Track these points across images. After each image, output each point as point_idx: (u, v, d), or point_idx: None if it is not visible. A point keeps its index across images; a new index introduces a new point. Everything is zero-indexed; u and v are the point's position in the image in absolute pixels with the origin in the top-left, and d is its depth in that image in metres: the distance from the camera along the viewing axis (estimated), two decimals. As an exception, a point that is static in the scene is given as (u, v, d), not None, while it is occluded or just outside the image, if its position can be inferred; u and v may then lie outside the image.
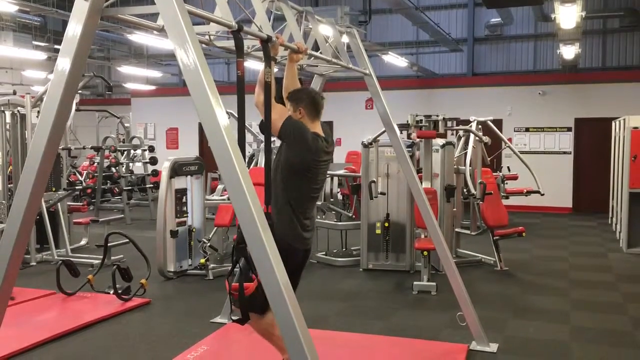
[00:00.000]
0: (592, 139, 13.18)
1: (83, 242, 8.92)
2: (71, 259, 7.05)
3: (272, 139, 3.40)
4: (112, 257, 7.34)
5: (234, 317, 3.33)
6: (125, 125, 14.13)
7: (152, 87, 17.09)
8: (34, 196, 2.85)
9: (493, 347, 4.77)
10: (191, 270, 7.28)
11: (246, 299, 3.03)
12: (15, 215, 2.86)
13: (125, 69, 15.60)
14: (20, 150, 7.96)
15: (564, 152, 13.32)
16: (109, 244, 6.88)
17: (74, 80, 2.77)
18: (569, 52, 11.29)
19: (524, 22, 14.47)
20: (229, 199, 9.07)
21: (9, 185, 7.98)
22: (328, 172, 8.67)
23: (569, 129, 13.30)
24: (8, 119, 7.95)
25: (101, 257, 6.81)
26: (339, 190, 10.14)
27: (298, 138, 3.38)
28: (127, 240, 6.71)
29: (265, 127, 3.32)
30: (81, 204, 9.85)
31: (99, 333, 5.23)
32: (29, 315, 5.62)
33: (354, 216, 8.62)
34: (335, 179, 9.55)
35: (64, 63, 2.71)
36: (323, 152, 3.50)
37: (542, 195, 9.28)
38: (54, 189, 8.09)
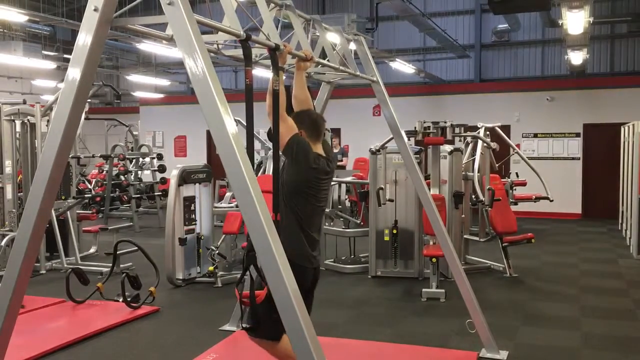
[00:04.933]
0: (601, 144, 13.12)
1: (92, 250, 8.95)
2: (80, 267, 7.08)
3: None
4: (121, 265, 7.36)
5: (244, 325, 3.33)
6: (134, 133, 14.21)
7: (161, 95, 17.19)
8: (44, 205, 2.87)
9: (503, 355, 4.75)
10: (200, 278, 7.29)
11: (257, 309, 3.03)
12: (26, 224, 2.88)
13: (134, 78, 15.71)
14: (30, 159, 8.02)
15: (573, 158, 13.27)
16: (118, 252, 6.91)
17: (84, 90, 2.80)
18: (576, 57, 11.27)
19: (532, 27, 14.47)
20: (237, 206, 9.11)
21: (19, 194, 8.03)
22: (336, 178, 8.72)
23: (578, 135, 13.25)
24: (18, 128, 8.01)
25: (110, 265, 6.84)
26: (346, 197, 10.13)
27: (300, 157, 3.34)
28: (136, 248, 6.73)
29: (273, 134, 3.33)
30: (90, 212, 9.89)
31: (109, 341, 5.24)
32: (39, 323, 5.64)
33: (362, 223, 8.61)
34: (343, 186, 9.55)
35: (74, 73, 2.74)
36: (324, 172, 3.46)
37: (551, 201, 9.24)
38: (63, 197, 8.13)
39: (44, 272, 7.77)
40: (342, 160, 13.10)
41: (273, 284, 2.41)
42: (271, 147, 11.06)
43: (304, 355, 2.37)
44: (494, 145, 8.16)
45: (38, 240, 2.96)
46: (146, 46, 10.68)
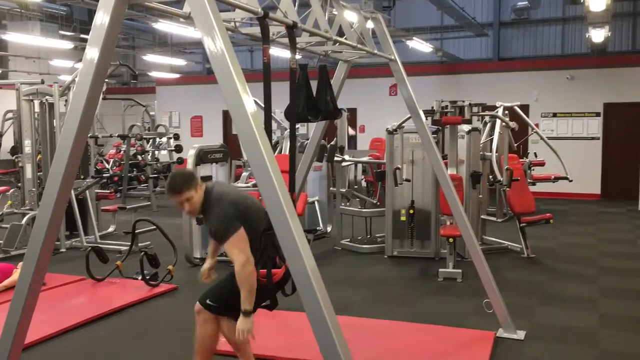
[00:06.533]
0: (621, 124, 12.92)
1: (111, 229, 9.05)
2: (100, 245, 7.17)
3: (297, 125, 3.39)
4: (140, 244, 7.43)
5: (262, 303, 3.36)
6: (150, 113, 14.27)
7: (177, 76, 17.20)
8: (64, 184, 2.89)
9: (520, 335, 4.74)
10: (217, 257, 7.33)
11: (274, 286, 3.06)
12: (47, 203, 2.91)
13: (150, 58, 15.71)
14: (49, 138, 8.09)
15: (592, 138, 13.09)
16: (136, 231, 6.97)
17: (102, 69, 2.80)
18: (598, 35, 11.04)
19: (552, 5, 14.19)
20: (254, 186, 9.13)
21: (39, 174, 8.13)
22: (352, 158, 8.71)
23: (598, 114, 13.05)
24: (37, 108, 8.08)
25: (129, 243, 6.91)
26: (362, 177, 10.13)
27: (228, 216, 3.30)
28: (154, 227, 6.78)
29: (290, 114, 3.32)
30: (109, 191, 9.99)
31: (128, 318, 5.32)
32: (60, 300, 5.74)
33: (378, 203, 8.61)
34: (359, 166, 9.54)
35: (92, 52, 2.74)
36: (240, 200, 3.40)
37: (570, 181, 9.14)
38: (82, 177, 8.21)
39: (64, 250, 7.89)
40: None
41: (291, 261, 2.42)
42: (287, 127, 10.97)
43: (322, 333, 2.38)
44: (512, 124, 8.06)
45: (59, 219, 3.00)
46: (162, 26, 10.66)
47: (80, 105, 2.81)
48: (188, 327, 5.06)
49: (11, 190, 8.35)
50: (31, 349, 4.43)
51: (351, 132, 13.02)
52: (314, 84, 3.86)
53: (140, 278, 6.14)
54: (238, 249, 3.20)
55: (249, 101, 2.45)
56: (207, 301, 3.49)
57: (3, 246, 7.38)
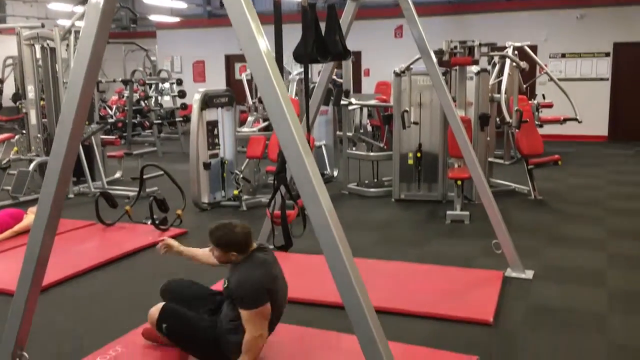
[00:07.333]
0: (631, 64, 12.68)
1: (117, 175, 9.07)
2: (108, 190, 7.20)
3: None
4: (147, 190, 7.46)
5: (277, 244, 3.38)
6: (152, 58, 14.05)
7: (177, 19, 16.85)
8: (75, 129, 2.86)
9: (529, 274, 4.79)
10: (225, 202, 7.38)
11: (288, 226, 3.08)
12: (59, 149, 2.88)
13: (150, 0, 15.33)
14: (52, 84, 8.00)
15: (601, 79, 12.89)
16: (144, 177, 6.98)
17: (108, 13, 2.74)
18: (610, -29, 10.72)
19: (563, -60, 13.71)
20: (259, 130, 9.04)
21: (43, 120, 8.07)
22: (358, 101, 8.61)
23: (607, 54, 12.80)
24: (38, 54, 7.95)
25: (136, 189, 6.93)
26: (368, 121, 10.05)
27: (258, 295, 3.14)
28: (162, 172, 6.79)
29: (301, 54, 3.25)
30: (114, 137, 9.95)
31: (140, 261, 5.39)
32: (71, 244, 5.80)
33: (385, 147, 8.57)
34: (365, 110, 9.45)
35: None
36: (276, 276, 3.29)
37: (580, 122, 9.03)
38: (87, 123, 8.16)
39: (72, 196, 7.93)
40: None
41: (308, 202, 2.41)
42: (292, 70, 10.73)
43: (340, 273, 2.40)
44: (523, 64, 7.90)
45: (70, 165, 2.99)
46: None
47: (87, 51, 2.75)
48: (198, 271, 5.13)
49: (17, 137, 8.32)
50: (44, 293, 4.49)
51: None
52: (322, 26, 3.77)
53: (150, 222, 6.19)
54: (257, 325, 3.09)
55: (263, 41, 2.39)
56: (163, 326, 3.35)
57: (12, 192, 7.42)
